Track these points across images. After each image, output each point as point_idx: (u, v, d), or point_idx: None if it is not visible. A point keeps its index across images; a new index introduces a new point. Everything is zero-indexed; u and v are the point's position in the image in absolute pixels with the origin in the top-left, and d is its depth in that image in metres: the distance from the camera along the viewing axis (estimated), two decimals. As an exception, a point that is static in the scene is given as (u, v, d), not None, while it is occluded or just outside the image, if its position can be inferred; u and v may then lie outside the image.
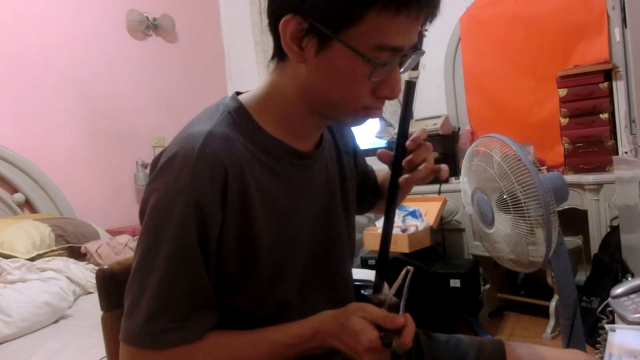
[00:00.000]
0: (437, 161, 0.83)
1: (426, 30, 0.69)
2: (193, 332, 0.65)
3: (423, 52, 0.70)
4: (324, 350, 0.69)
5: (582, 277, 2.43)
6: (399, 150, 0.84)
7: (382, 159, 0.81)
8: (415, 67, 0.76)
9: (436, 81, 3.10)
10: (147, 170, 3.12)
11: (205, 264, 0.66)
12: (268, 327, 0.70)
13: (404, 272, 0.67)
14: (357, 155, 0.95)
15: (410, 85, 0.79)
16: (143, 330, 0.63)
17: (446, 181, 2.88)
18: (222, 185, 0.65)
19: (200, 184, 0.63)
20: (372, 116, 0.72)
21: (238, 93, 0.76)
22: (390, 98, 0.70)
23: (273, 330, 0.70)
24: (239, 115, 0.71)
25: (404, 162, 0.79)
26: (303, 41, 0.64)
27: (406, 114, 0.80)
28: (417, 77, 0.78)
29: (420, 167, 0.78)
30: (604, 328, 0.82)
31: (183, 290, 0.64)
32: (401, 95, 0.79)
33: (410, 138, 0.80)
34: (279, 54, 0.70)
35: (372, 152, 1.03)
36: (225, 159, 0.65)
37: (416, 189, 1.09)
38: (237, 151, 0.67)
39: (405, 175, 0.79)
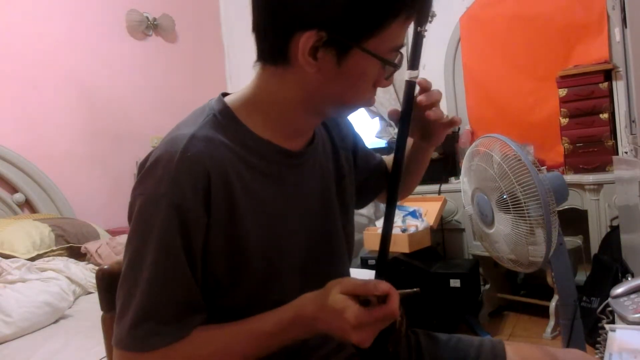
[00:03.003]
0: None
1: (426, 30, 0.70)
2: (176, 334, 0.65)
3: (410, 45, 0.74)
4: (312, 335, 0.66)
5: (582, 277, 2.43)
6: (400, 151, 0.84)
7: (392, 118, 0.81)
8: (415, 67, 0.76)
9: (436, 81, 3.09)
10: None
11: (192, 268, 0.66)
12: (252, 317, 0.67)
13: (411, 290, 0.66)
14: (357, 145, 0.94)
15: (411, 86, 0.79)
16: (130, 334, 0.64)
17: (446, 181, 2.88)
18: (204, 188, 0.65)
19: (181, 188, 0.63)
20: (370, 105, 0.75)
21: (225, 94, 0.76)
22: (386, 86, 0.74)
23: (255, 319, 0.67)
24: (224, 116, 0.71)
25: (422, 96, 0.78)
26: (318, 52, 0.64)
27: (406, 114, 0.80)
28: (417, 77, 0.78)
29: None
30: (604, 328, 0.82)
31: (168, 295, 0.65)
32: (402, 95, 0.79)
33: (419, 82, 0.80)
34: (272, 58, 0.69)
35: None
36: (208, 162, 0.65)
37: (416, 189, 1.08)
38: (220, 153, 0.67)
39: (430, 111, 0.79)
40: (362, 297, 0.60)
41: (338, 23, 0.63)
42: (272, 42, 0.68)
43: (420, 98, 0.78)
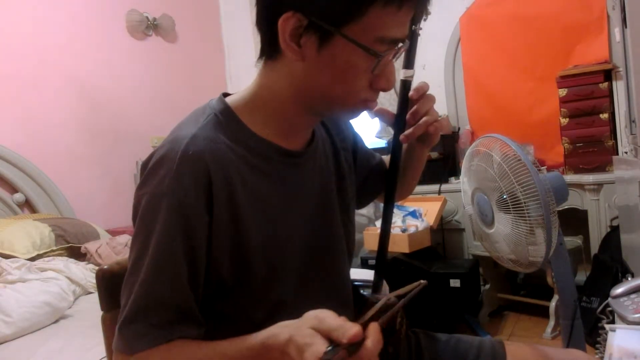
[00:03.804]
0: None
1: (421, 29, 0.69)
2: (157, 339, 0.63)
3: (408, 44, 0.71)
4: None
5: (582, 277, 2.43)
6: (396, 151, 0.84)
7: (381, 118, 0.81)
8: (410, 66, 0.76)
9: (436, 81, 3.10)
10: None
11: (193, 273, 0.65)
12: (228, 339, 0.63)
13: (417, 283, 0.62)
14: (357, 145, 0.94)
15: (406, 85, 0.79)
16: (119, 335, 0.64)
17: (446, 181, 2.88)
18: (206, 187, 0.65)
19: (183, 187, 0.64)
20: (369, 108, 0.73)
21: (226, 94, 0.76)
22: (387, 89, 0.71)
23: (229, 342, 0.62)
24: (225, 116, 0.71)
25: (408, 115, 0.78)
26: (302, 38, 0.64)
27: (402, 113, 0.80)
28: (412, 76, 0.78)
29: (421, 122, 0.78)
30: (604, 328, 0.82)
31: (160, 298, 0.64)
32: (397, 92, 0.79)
33: (414, 88, 0.79)
34: (269, 52, 0.70)
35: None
36: (209, 161, 0.65)
37: (416, 189, 1.08)
38: (221, 153, 0.67)
39: (408, 131, 0.78)
40: (329, 348, 0.50)
41: (319, 7, 0.62)
42: (264, 32, 0.68)
43: (417, 108, 0.78)
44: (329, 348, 0.49)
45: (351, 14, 0.62)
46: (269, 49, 0.69)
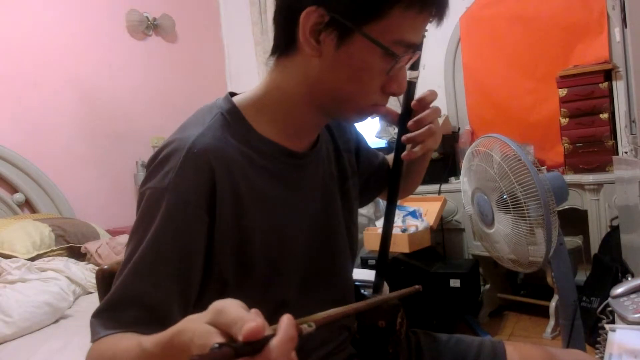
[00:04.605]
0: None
1: (426, 31, 0.70)
2: (108, 330, 0.60)
3: (420, 53, 0.72)
4: None
5: (582, 277, 2.43)
6: (399, 150, 0.84)
7: (387, 119, 0.81)
8: (415, 67, 0.77)
9: (436, 81, 3.10)
10: (147, 170, 3.12)
11: (184, 276, 0.64)
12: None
13: (413, 288, 0.62)
14: (360, 145, 0.94)
15: (411, 85, 0.79)
16: (90, 323, 0.63)
17: (446, 181, 2.88)
18: (209, 186, 0.65)
19: (185, 185, 0.64)
20: (377, 112, 0.73)
21: (232, 94, 0.76)
22: (397, 94, 0.71)
23: (150, 336, 0.53)
24: (232, 116, 0.71)
25: (411, 122, 0.78)
26: (321, 35, 0.65)
27: (406, 114, 0.80)
28: (417, 77, 0.78)
29: (423, 129, 0.78)
30: (604, 328, 0.82)
31: (137, 296, 0.62)
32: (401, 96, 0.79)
33: (416, 98, 0.79)
34: (284, 48, 0.70)
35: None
36: (213, 160, 0.65)
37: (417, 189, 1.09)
38: (226, 152, 0.67)
39: (407, 151, 0.79)
40: (216, 346, 0.38)
41: (338, 3, 0.63)
42: (282, 26, 0.69)
43: (422, 117, 0.78)
44: (215, 346, 0.38)
45: (373, 14, 0.63)
46: (285, 45, 0.69)
